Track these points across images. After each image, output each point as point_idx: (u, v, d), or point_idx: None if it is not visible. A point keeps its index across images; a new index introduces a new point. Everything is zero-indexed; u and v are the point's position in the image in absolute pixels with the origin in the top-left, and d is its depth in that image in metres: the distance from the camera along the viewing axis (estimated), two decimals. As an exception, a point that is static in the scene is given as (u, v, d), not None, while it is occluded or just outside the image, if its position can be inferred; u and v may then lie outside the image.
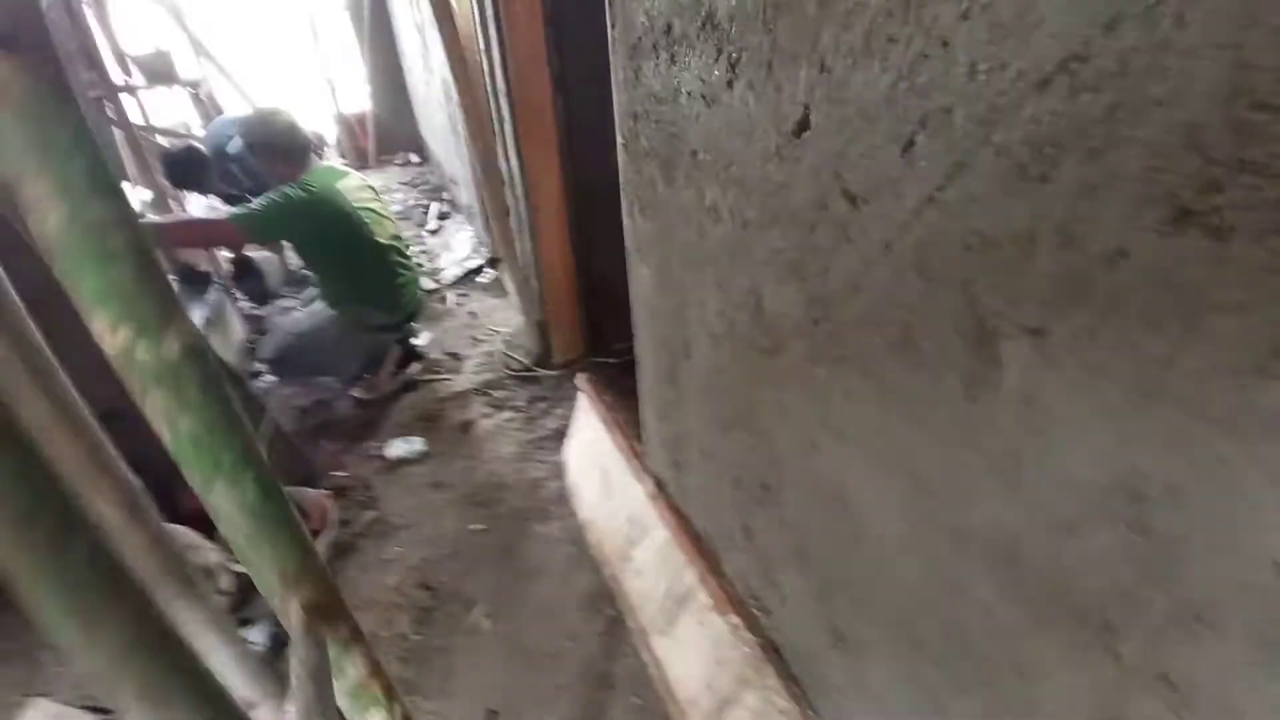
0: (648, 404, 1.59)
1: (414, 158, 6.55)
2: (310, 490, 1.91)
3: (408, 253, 2.62)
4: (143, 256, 0.43)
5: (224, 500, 0.50)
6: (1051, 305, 0.52)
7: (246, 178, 3.07)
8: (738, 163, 0.89)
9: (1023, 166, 0.51)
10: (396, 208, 5.11)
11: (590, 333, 2.65)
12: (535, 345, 2.72)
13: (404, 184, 5.87)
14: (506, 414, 2.47)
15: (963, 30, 0.52)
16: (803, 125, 0.74)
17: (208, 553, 1.75)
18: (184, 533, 1.78)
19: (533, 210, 2.26)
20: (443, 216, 4.68)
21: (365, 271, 2.40)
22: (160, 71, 4.04)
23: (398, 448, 2.29)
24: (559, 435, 2.28)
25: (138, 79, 4.06)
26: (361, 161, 6.31)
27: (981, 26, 0.50)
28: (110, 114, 4.06)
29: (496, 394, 2.59)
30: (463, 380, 2.72)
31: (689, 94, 0.96)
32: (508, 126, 2.15)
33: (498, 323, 3.15)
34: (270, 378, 2.58)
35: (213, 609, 0.80)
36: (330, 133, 6.59)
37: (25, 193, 0.39)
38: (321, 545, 1.81)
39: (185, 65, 4.66)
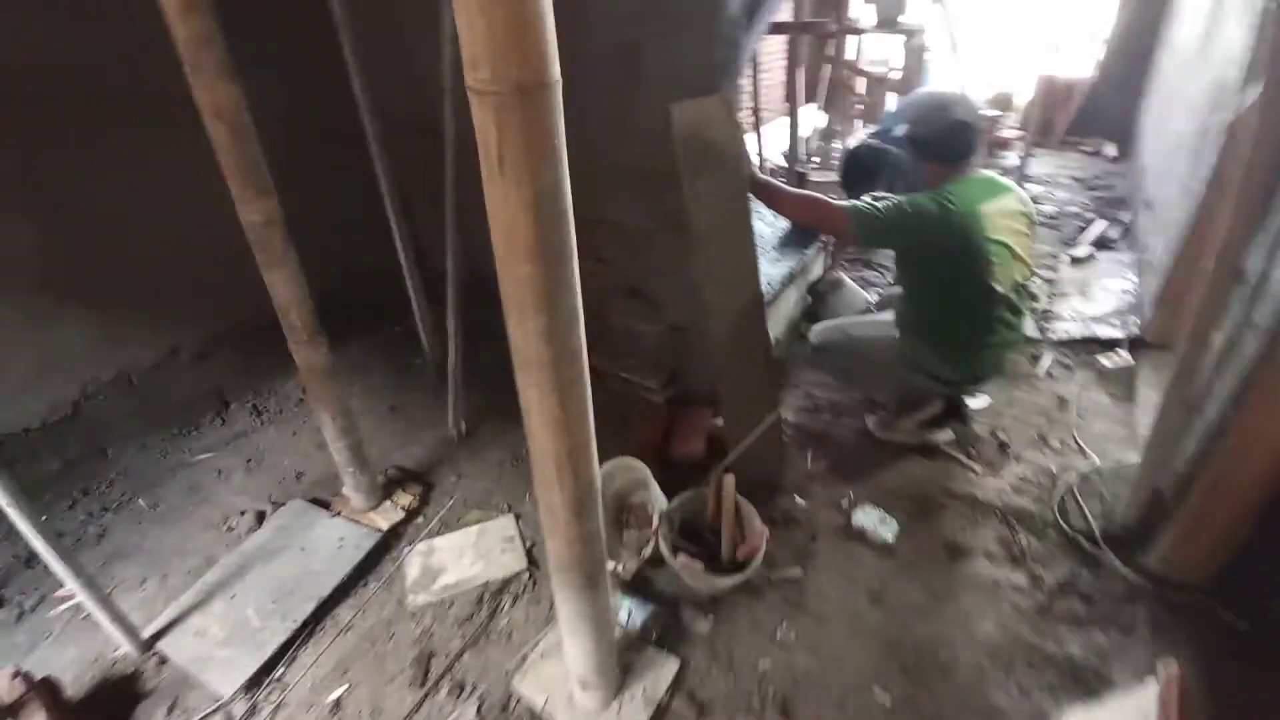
0: None
1: (1109, 149, 5.16)
2: (758, 519, 1.73)
3: (1023, 305, 1.96)
4: None
5: None
6: None
7: (899, 171, 2.77)
8: None
9: None
10: (1049, 208, 4.17)
11: (1241, 556, 1.54)
12: (1127, 515, 1.77)
13: (1077, 179, 4.73)
14: (1019, 576, 1.73)
15: None
16: None
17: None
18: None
19: None
20: (1102, 245, 3.54)
21: (957, 318, 1.91)
22: (890, 14, 4.04)
23: (867, 517, 1.89)
24: (1078, 673, 1.46)
25: (867, 21, 4.17)
26: (1042, 135, 5.33)
27: None
28: (829, 51, 4.36)
29: (1023, 541, 1.83)
30: (991, 486, 2.04)
31: None
32: None
33: (1092, 437, 2.21)
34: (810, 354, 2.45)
35: None
36: (1024, 95, 5.75)
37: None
38: (735, 580, 1.65)
39: (916, 11, 4.58)
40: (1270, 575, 1.52)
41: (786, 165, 3.95)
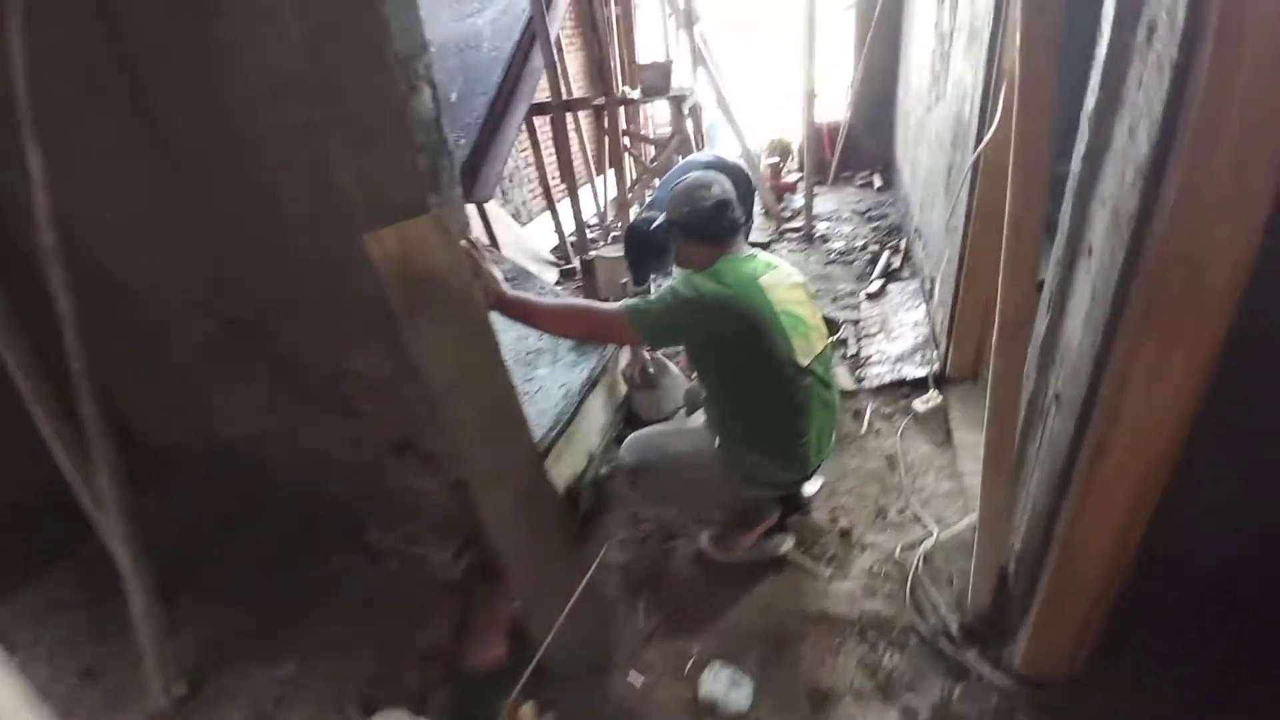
0: None
1: (877, 181, 5.62)
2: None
3: (830, 375, 1.80)
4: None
5: None
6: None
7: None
8: None
9: None
10: (839, 244, 4.33)
11: (1105, 640, 1.39)
12: (979, 601, 1.60)
13: (856, 212, 5.03)
14: (892, 714, 1.48)
15: None
16: None
17: None
18: None
19: (1105, 417, 1.12)
20: (890, 276, 3.68)
21: (772, 407, 1.68)
22: (657, 85, 4.05)
23: (716, 681, 1.55)
24: None
25: (638, 91, 4.16)
26: (820, 175, 5.68)
27: None
28: (605, 124, 4.28)
29: (887, 661, 1.59)
30: (843, 593, 1.80)
31: None
32: (1127, 213, 1.06)
33: (926, 498, 2.09)
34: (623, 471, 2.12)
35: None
36: (796, 138, 6.17)
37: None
38: None
39: (681, 75, 4.69)
40: (1142, 658, 1.39)
41: (569, 252, 3.77)
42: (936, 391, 2.48)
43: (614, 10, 5.20)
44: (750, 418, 1.70)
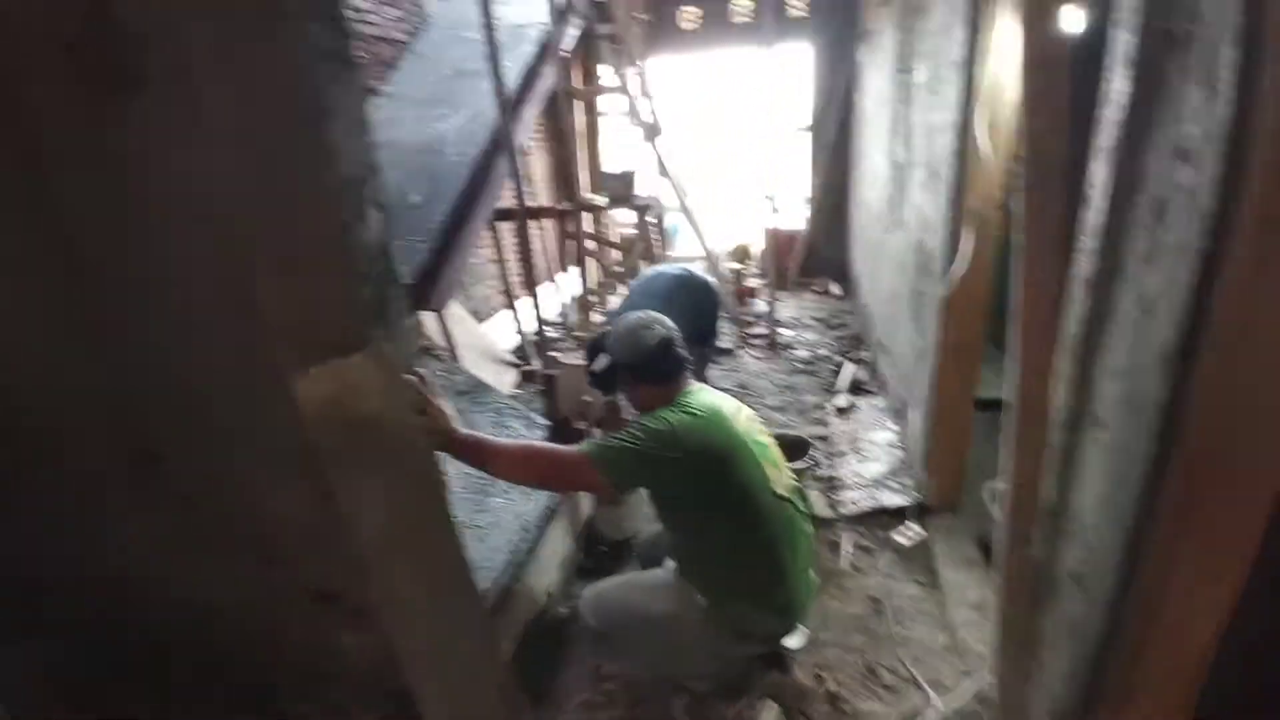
0: None
1: (835, 288, 5.77)
2: None
3: (806, 507, 1.66)
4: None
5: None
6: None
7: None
8: None
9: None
10: (803, 353, 4.32)
11: None
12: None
13: (817, 319, 5.09)
14: None
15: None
16: None
17: None
18: None
19: (1143, 615, 0.97)
20: (857, 389, 3.64)
21: (754, 546, 1.52)
22: (621, 193, 4.10)
23: None
24: None
25: (602, 198, 4.20)
26: (779, 282, 5.80)
27: None
28: (568, 227, 4.28)
29: None
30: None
31: None
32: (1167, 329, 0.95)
33: (918, 655, 1.90)
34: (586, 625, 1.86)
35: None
36: (756, 245, 6.35)
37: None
38: None
39: (645, 184, 4.80)
40: None
41: (530, 353, 3.62)
42: (918, 525, 2.35)
43: (580, 119, 5.38)
44: (734, 560, 1.53)
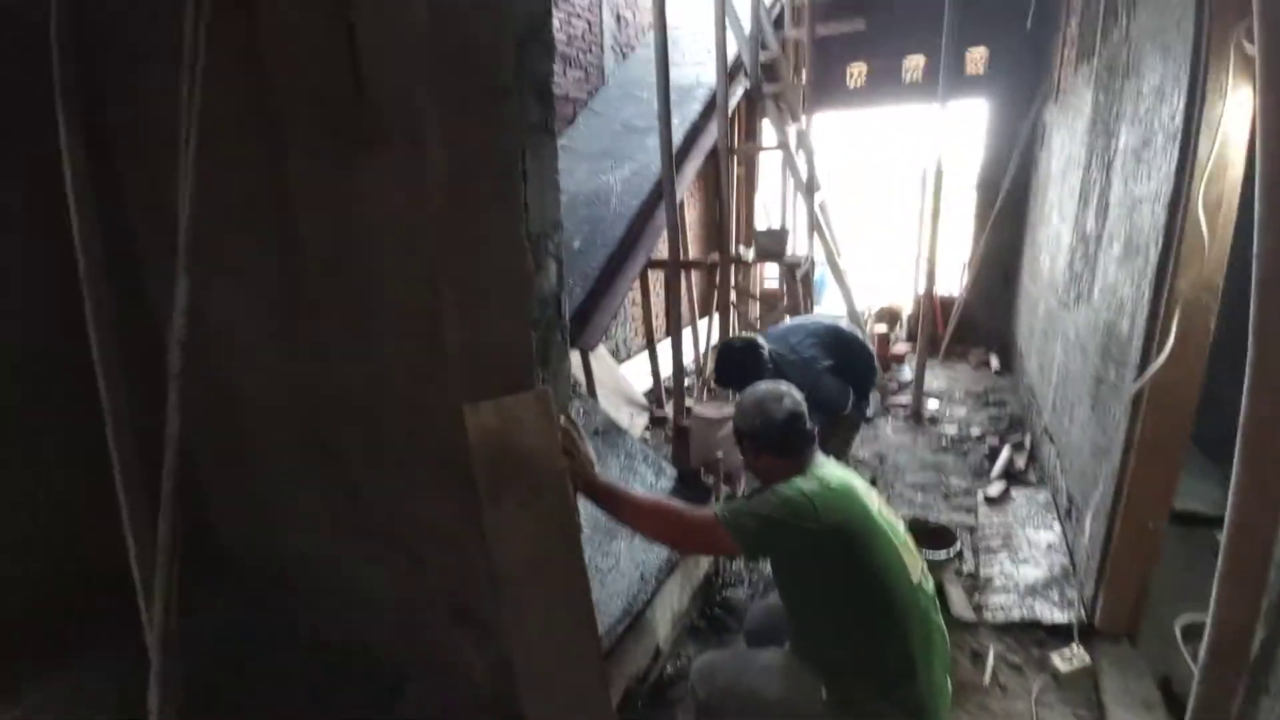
0: None
1: (994, 362, 5.28)
2: None
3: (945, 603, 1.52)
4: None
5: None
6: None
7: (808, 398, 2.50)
8: None
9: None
10: (951, 429, 3.99)
11: None
12: None
13: (972, 393, 4.69)
14: None
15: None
16: None
17: None
18: None
19: None
20: (1012, 477, 3.28)
21: (889, 637, 1.42)
22: (771, 249, 4.11)
23: None
24: None
25: (752, 253, 4.23)
26: (932, 349, 5.43)
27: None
28: (715, 277, 4.35)
29: None
30: None
31: None
32: None
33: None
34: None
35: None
36: (906, 309, 6.02)
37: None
38: None
39: (798, 242, 4.77)
40: None
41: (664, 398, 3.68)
42: (1082, 648, 2.03)
43: (737, 172, 5.50)
44: (862, 649, 1.42)
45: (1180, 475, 2.00)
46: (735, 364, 2.61)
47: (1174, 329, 1.78)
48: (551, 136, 1.32)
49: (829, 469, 1.52)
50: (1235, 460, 1.04)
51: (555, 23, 4.14)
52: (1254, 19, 1.02)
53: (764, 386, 1.66)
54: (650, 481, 2.53)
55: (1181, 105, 1.83)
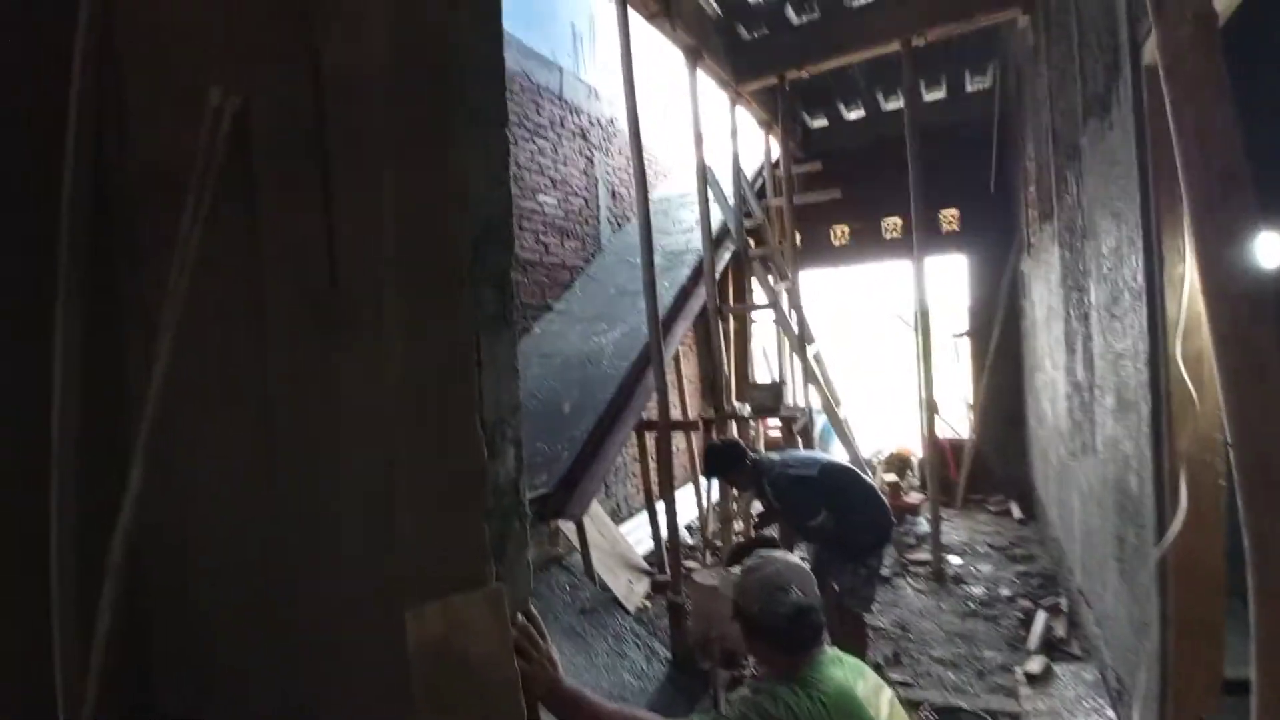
0: None
1: (1015, 510, 5.02)
2: None
3: None
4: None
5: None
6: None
7: (777, 501, 2.69)
8: None
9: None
10: (977, 590, 3.67)
11: None
12: None
13: (994, 547, 4.39)
14: None
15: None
16: None
17: None
18: None
19: None
20: (1052, 647, 2.94)
21: None
22: (767, 404, 4.10)
23: None
24: None
25: (748, 408, 4.22)
26: (946, 497, 5.19)
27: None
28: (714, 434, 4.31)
29: None
30: None
31: None
32: None
33: None
34: None
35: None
36: (915, 454, 5.86)
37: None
38: None
39: (793, 393, 4.78)
40: None
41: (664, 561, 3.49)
42: None
43: (731, 328, 5.67)
44: None
45: (1224, 646, 1.77)
46: (716, 456, 2.84)
47: (1183, 490, 1.67)
48: (509, 325, 1.35)
49: (828, 672, 1.35)
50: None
51: (554, 201, 4.54)
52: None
53: (772, 570, 1.53)
54: (640, 668, 2.29)
55: (1141, 266, 1.87)
